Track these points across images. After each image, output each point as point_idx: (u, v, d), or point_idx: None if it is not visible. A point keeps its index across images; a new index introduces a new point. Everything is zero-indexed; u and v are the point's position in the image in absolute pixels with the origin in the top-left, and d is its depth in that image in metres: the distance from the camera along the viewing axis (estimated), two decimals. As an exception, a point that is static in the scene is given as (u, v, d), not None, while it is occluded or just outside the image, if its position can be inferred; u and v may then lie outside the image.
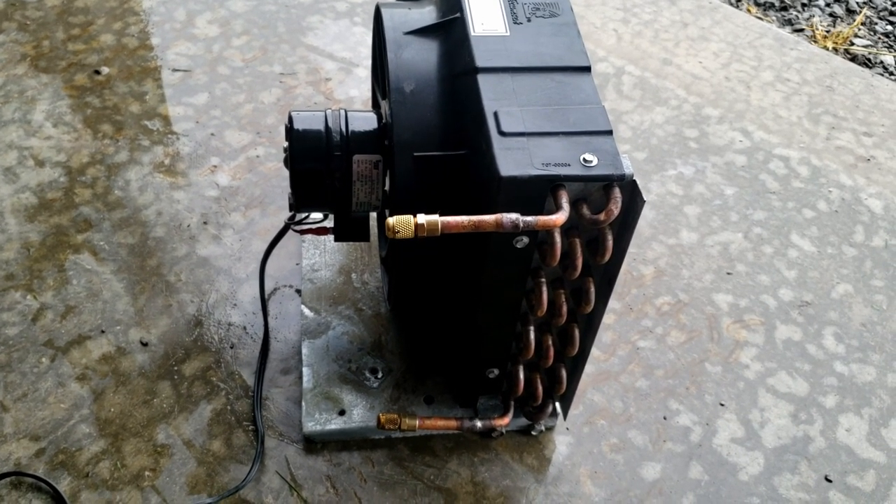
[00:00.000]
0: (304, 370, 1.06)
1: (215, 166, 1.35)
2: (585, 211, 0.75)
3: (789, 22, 2.02)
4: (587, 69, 0.83)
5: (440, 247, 0.84)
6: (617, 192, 0.74)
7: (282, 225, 1.11)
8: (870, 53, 1.92)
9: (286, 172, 0.95)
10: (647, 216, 1.33)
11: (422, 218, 0.71)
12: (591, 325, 0.87)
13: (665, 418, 1.08)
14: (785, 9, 2.06)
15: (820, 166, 1.46)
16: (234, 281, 1.19)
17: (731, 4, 2.03)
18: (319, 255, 1.20)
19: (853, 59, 1.89)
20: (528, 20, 0.88)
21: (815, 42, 1.92)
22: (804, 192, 1.41)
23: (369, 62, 1.45)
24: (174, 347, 1.10)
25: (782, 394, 1.12)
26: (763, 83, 1.62)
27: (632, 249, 1.28)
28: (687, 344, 1.16)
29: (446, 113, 0.85)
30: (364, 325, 1.12)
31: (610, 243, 0.77)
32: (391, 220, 0.71)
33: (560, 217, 0.72)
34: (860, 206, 1.40)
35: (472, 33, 0.85)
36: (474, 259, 0.82)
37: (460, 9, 0.88)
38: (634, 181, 0.74)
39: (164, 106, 1.45)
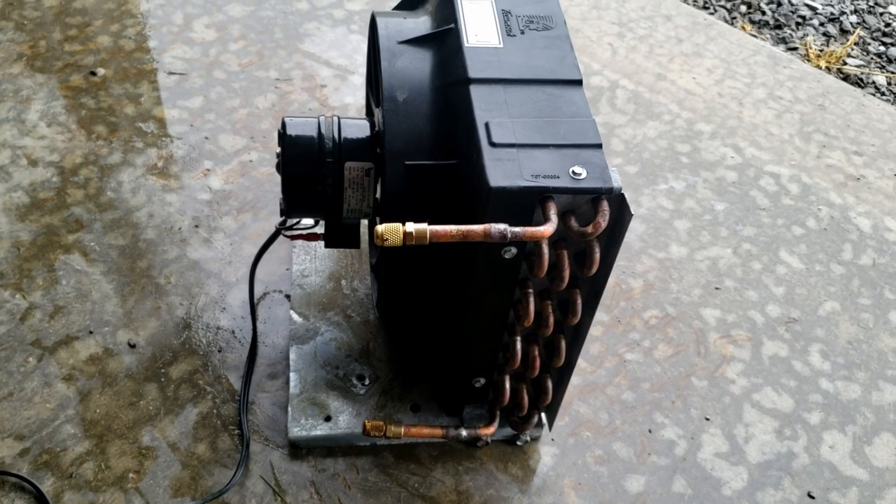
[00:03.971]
0: (292, 375, 1.06)
1: (208, 170, 1.35)
2: (573, 223, 0.76)
3: (783, 40, 2.03)
4: (579, 82, 0.84)
5: (429, 255, 0.84)
6: (605, 205, 0.75)
7: (273, 230, 1.12)
8: (862, 73, 1.94)
9: (279, 177, 0.96)
10: (637, 230, 1.34)
11: (410, 226, 0.72)
12: (577, 337, 0.87)
13: (650, 431, 1.08)
14: (779, 27, 2.08)
15: (810, 184, 1.47)
16: (223, 285, 1.19)
17: (726, 22, 2.05)
18: (310, 260, 1.20)
19: (846, 78, 1.91)
20: (522, 33, 0.88)
21: (809, 61, 1.94)
22: (794, 209, 1.42)
23: (365, 70, 1.46)
24: (162, 350, 1.10)
25: (767, 409, 1.12)
26: (756, 100, 1.64)
27: (621, 262, 1.28)
28: (674, 358, 1.17)
29: (438, 122, 0.86)
30: (352, 332, 1.12)
31: (597, 256, 0.78)
32: (380, 228, 0.72)
33: (548, 229, 0.73)
34: (849, 224, 1.40)
35: (465, 44, 0.85)
36: (462, 269, 0.83)
37: (455, 20, 0.88)
38: (622, 195, 0.75)
39: (159, 108, 1.45)
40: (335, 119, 0.95)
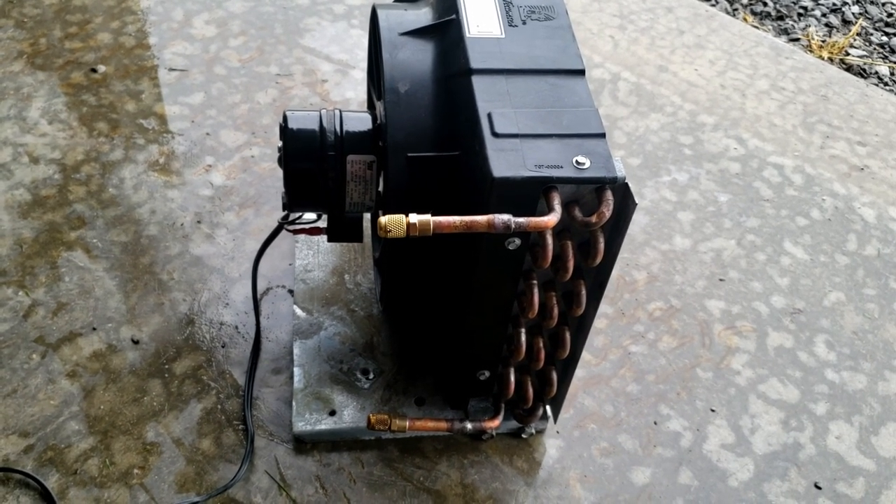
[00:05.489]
0: (296, 370, 1.06)
1: (210, 165, 1.35)
2: (577, 213, 0.75)
3: (785, 31, 2.02)
4: (581, 72, 0.84)
5: (432, 248, 0.84)
6: (609, 195, 0.74)
7: (275, 225, 1.11)
8: (865, 64, 1.93)
9: (280, 173, 0.95)
10: (640, 222, 1.34)
11: (414, 217, 0.72)
12: (582, 328, 0.87)
13: (655, 423, 1.08)
14: (781, 18, 2.07)
15: (814, 175, 1.47)
16: (226, 280, 1.18)
17: (728, 13, 2.04)
18: (312, 255, 1.20)
19: (848, 69, 1.90)
20: (524, 23, 0.88)
21: (811, 52, 1.93)
22: (798, 200, 1.41)
23: (366, 64, 1.45)
24: (165, 346, 1.10)
25: (773, 400, 1.12)
26: (758, 91, 1.63)
27: (625, 254, 1.28)
28: (678, 349, 1.16)
29: (440, 114, 0.85)
30: (356, 327, 1.11)
31: (601, 246, 0.77)
32: (383, 220, 0.72)
33: (552, 219, 0.72)
34: (853, 214, 1.40)
35: (467, 35, 0.85)
36: (466, 260, 0.82)
37: (456, 10, 0.88)
38: (626, 184, 0.74)
39: (160, 105, 1.45)
40: (337, 112, 0.95)
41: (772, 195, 1.41)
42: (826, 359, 1.18)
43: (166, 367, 1.08)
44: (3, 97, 1.44)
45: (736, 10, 2.08)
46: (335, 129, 0.93)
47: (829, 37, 2.01)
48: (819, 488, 1.03)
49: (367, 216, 1.16)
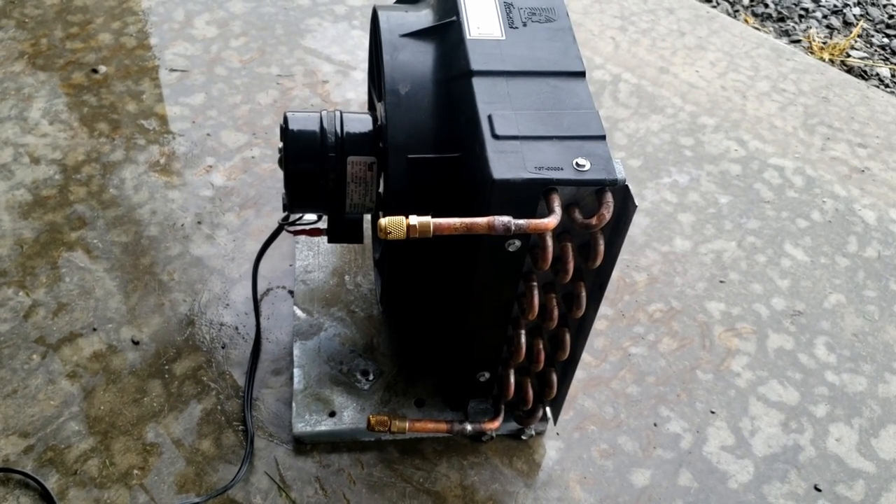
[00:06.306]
0: (296, 371, 1.06)
1: (210, 166, 1.35)
2: (577, 215, 0.75)
3: (786, 33, 2.02)
4: (582, 74, 0.84)
5: (432, 249, 0.84)
6: (609, 197, 0.74)
7: (276, 226, 1.11)
8: (866, 65, 1.93)
9: (281, 173, 0.95)
10: (640, 223, 1.34)
11: (414, 219, 0.72)
12: (582, 330, 0.87)
13: (655, 425, 1.08)
14: (782, 20, 2.07)
15: (814, 176, 1.46)
16: (226, 281, 1.18)
17: (729, 15, 2.04)
18: (313, 256, 1.20)
19: (849, 70, 1.90)
20: (524, 25, 0.88)
21: (812, 53, 1.93)
22: (798, 201, 1.41)
23: (367, 65, 1.45)
24: (165, 346, 1.10)
25: (773, 402, 1.12)
26: (759, 93, 1.63)
27: (625, 256, 1.28)
28: (679, 351, 1.16)
29: (441, 115, 0.85)
30: (356, 328, 1.12)
31: (601, 248, 0.77)
32: (383, 221, 0.72)
33: (552, 221, 0.72)
34: (854, 216, 1.40)
35: (467, 37, 0.85)
36: (466, 262, 0.83)
37: (457, 12, 0.88)
38: (627, 186, 0.74)
39: (161, 105, 1.45)
40: (337, 113, 0.95)
41: (772, 197, 1.41)
42: (826, 361, 1.18)
43: (166, 367, 1.08)
44: (4, 97, 1.44)
45: (737, 11, 2.08)
46: (336, 131, 0.93)
47: (830, 38, 2.01)
48: (819, 490, 1.03)
49: (368, 217, 1.16)
